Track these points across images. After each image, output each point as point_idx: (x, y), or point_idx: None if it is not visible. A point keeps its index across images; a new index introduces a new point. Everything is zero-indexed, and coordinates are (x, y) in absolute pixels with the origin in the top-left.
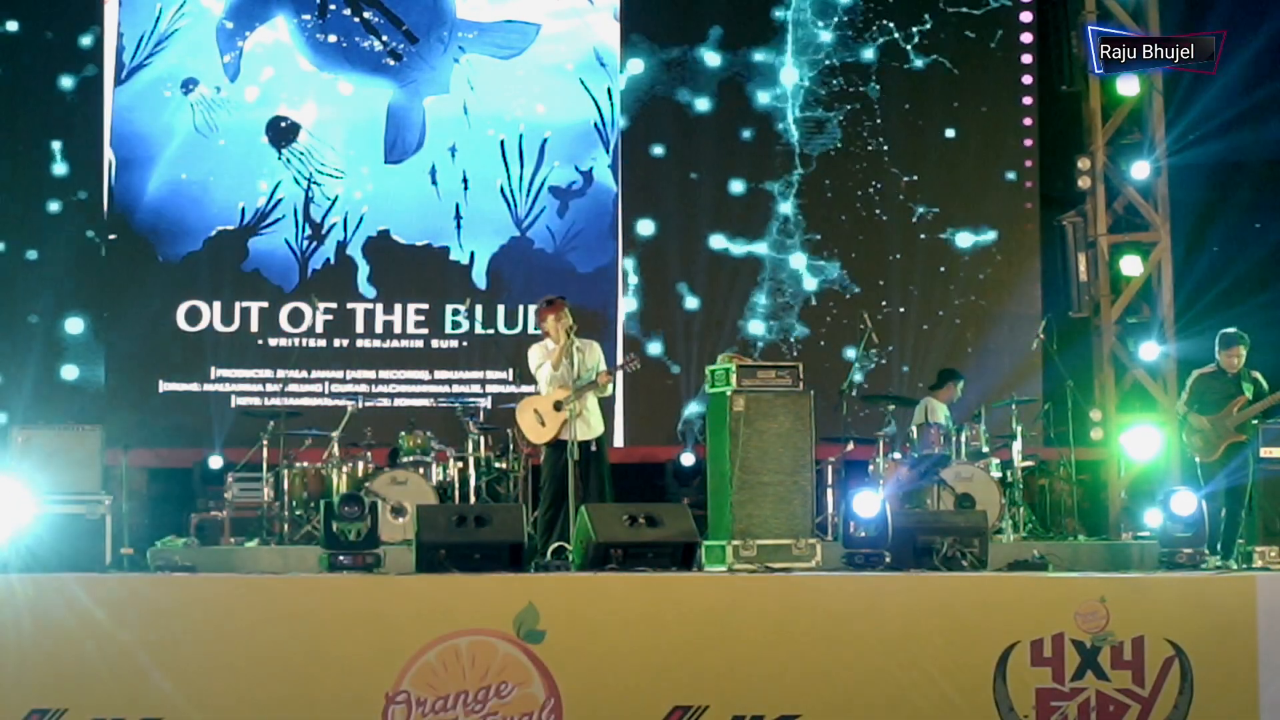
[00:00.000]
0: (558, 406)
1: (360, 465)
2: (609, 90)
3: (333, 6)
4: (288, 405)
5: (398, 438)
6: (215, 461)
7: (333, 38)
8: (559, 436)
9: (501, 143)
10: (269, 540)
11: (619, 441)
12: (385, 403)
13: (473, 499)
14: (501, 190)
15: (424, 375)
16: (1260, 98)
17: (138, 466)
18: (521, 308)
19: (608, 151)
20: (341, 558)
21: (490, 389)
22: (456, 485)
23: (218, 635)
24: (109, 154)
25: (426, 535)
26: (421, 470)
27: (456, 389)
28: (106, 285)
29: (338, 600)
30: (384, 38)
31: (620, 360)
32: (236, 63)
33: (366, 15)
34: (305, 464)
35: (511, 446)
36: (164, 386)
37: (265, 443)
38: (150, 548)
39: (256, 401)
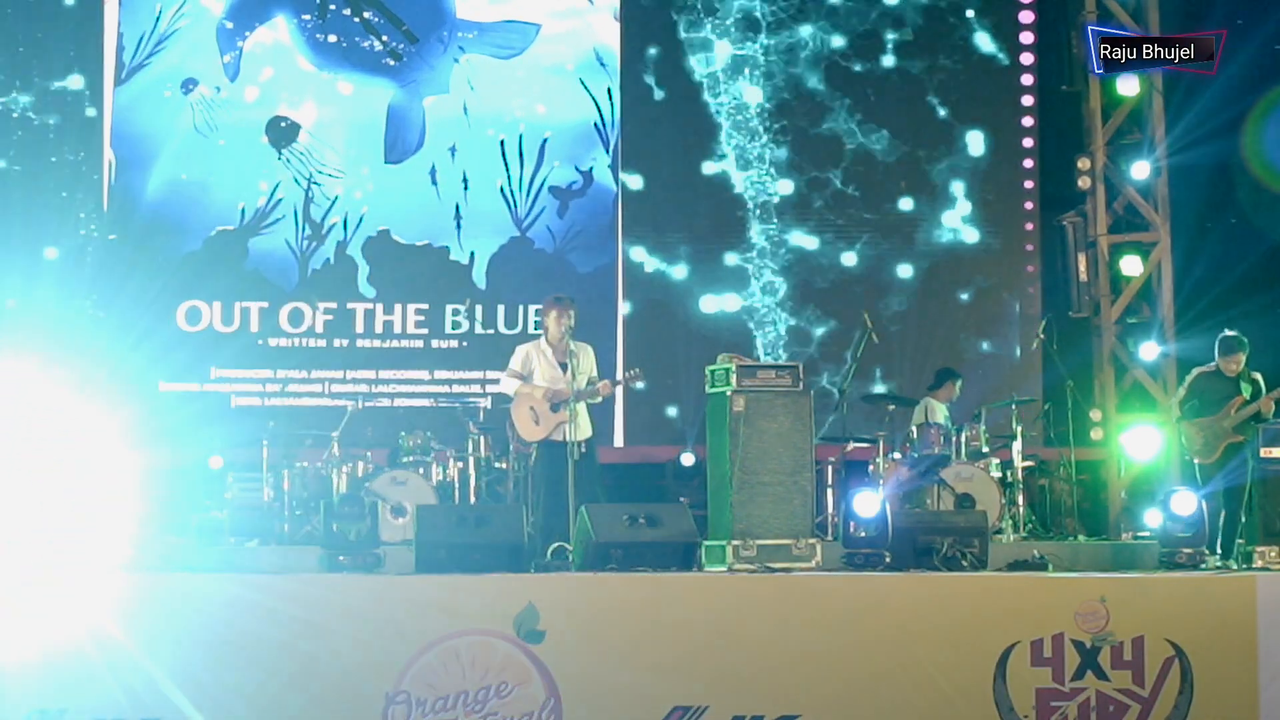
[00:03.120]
0: (555, 408)
1: (360, 465)
2: (609, 90)
3: (332, 6)
4: (288, 405)
5: (398, 438)
6: (215, 461)
7: (333, 38)
8: (550, 436)
9: (501, 143)
10: (269, 540)
11: (619, 441)
12: (385, 403)
13: (473, 499)
14: (501, 190)
15: (424, 375)
16: (1260, 97)
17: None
18: (521, 308)
19: (608, 151)
20: (341, 558)
21: (490, 389)
22: (456, 485)
23: (218, 635)
24: (109, 154)
25: (426, 535)
26: (421, 470)
27: (456, 389)
28: (106, 285)
29: (338, 600)
30: (384, 37)
31: (622, 375)
32: (236, 63)
33: (366, 15)
34: (305, 464)
35: (511, 447)
36: (164, 386)
37: (265, 443)
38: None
39: (256, 402)
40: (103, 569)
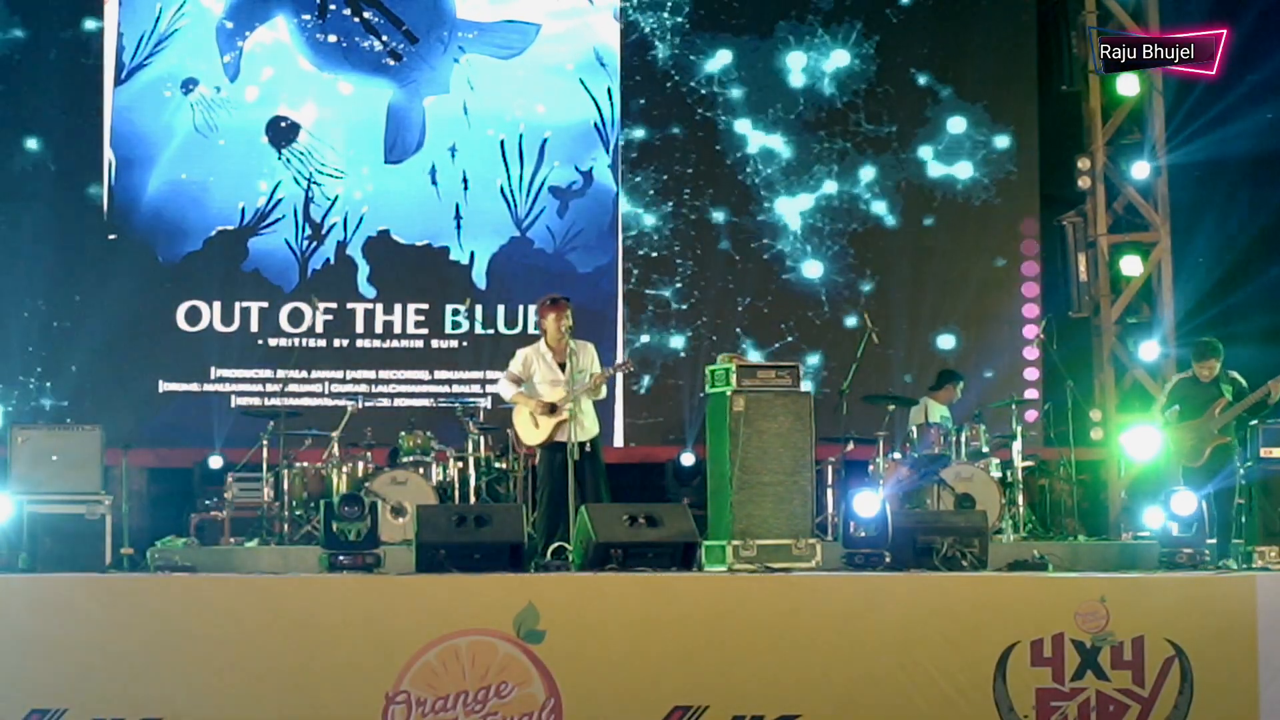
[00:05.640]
0: (552, 409)
1: (360, 465)
2: (609, 90)
3: (332, 6)
4: (288, 405)
5: (398, 438)
6: (215, 461)
7: (333, 38)
8: (553, 439)
9: (501, 143)
10: (269, 540)
11: (618, 441)
12: (385, 403)
13: (473, 499)
14: (501, 190)
15: (424, 375)
16: (1259, 95)
17: (138, 466)
18: (521, 308)
19: (608, 151)
20: (341, 558)
21: (490, 389)
22: (456, 485)
23: (218, 635)
24: (109, 154)
25: (426, 535)
26: (421, 470)
27: (456, 389)
28: (106, 285)
29: (338, 600)
30: (384, 38)
31: (618, 361)
32: (236, 63)
33: (366, 15)
34: (305, 464)
35: (511, 447)
36: (164, 386)
37: (265, 443)
38: (150, 548)
39: (256, 401)
40: None
